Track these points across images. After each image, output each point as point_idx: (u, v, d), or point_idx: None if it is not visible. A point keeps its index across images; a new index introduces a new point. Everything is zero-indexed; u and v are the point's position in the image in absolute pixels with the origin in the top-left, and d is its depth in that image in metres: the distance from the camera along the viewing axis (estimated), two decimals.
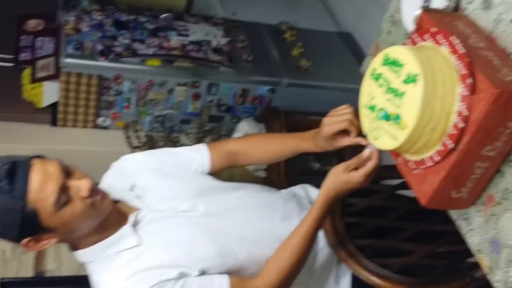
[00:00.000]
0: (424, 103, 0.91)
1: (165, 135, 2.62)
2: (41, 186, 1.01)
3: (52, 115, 2.64)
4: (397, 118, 0.96)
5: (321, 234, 1.36)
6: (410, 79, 0.93)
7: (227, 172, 2.53)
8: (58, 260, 2.37)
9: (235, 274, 1.19)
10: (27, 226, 1.02)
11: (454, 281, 1.20)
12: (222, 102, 2.73)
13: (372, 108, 1.05)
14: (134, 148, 2.42)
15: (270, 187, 1.47)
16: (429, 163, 0.99)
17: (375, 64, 1.05)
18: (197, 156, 1.35)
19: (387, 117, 0.98)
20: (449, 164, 0.96)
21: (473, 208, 1.06)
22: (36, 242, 1.07)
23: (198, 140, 2.55)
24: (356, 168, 1.13)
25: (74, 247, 1.16)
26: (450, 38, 0.95)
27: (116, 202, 1.21)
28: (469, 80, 0.90)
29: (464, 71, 0.91)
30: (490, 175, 1.00)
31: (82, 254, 1.16)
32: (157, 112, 2.69)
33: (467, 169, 0.97)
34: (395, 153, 1.09)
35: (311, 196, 1.47)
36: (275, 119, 2.48)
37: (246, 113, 2.81)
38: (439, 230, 1.34)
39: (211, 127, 2.76)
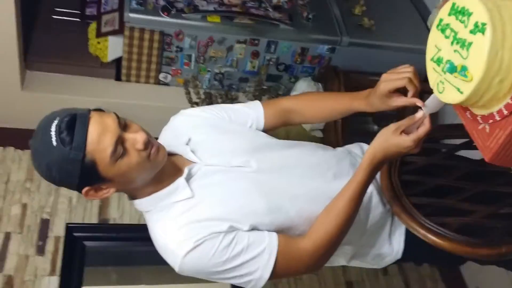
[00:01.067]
0: (491, 53, 0.87)
1: (223, 92, 2.64)
2: (98, 138, 1.05)
3: (116, 70, 2.71)
4: (463, 69, 0.93)
5: (375, 192, 1.34)
6: (478, 29, 0.89)
7: (283, 132, 2.54)
8: (120, 209, 2.48)
9: (285, 231, 1.20)
10: (86, 176, 1.06)
11: None
12: (280, 61, 2.71)
13: (438, 60, 1.01)
14: (193, 104, 2.46)
15: (325, 145, 1.46)
16: (497, 117, 0.96)
17: (442, 13, 1.01)
18: (252, 112, 1.36)
19: (453, 69, 0.95)
20: None
21: None
22: (95, 191, 1.12)
23: (255, 99, 2.56)
24: (407, 133, 1.09)
25: (133, 196, 1.21)
26: None
27: (172, 155, 1.24)
28: None
29: None
30: None
31: (140, 203, 1.19)
32: (216, 69, 2.71)
33: None
34: (462, 108, 1.05)
35: None
36: (333, 79, 2.44)
37: (304, 72, 2.78)
38: (502, 191, 1.30)
39: (269, 86, 2.76)
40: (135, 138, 1.08)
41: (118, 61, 2.69)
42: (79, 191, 1.11)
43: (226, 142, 1.28)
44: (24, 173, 2.50)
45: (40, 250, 2.27)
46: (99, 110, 1.11)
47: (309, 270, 1.20)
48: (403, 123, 1.10)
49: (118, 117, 1.10)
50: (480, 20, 0.89)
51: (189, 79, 2.44)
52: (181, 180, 1.18)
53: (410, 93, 1.16)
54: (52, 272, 2.22)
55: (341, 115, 1.37)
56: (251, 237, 1.13)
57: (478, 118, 1.01)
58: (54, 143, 1.02)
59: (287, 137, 2.58)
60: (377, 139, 1.13)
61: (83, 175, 1.06)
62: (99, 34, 2.55)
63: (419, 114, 1.09)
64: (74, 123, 1.04)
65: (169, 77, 2.73)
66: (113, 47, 2.58)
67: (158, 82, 2.75)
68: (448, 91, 0.99)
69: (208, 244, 1.10)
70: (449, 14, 0.98)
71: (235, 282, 1.15)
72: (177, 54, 2.62)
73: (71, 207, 2.43)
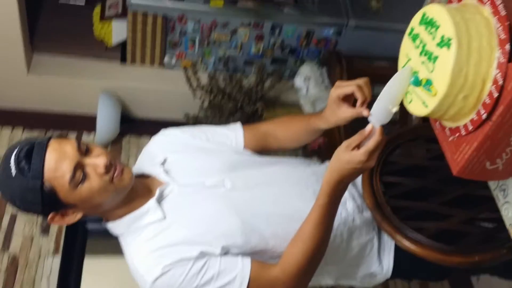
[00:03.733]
0: (455, 69, 0.85)
1: (228, 76, 2.64)
2: (56, 165, 1.05)
3: (122, 53, 2.72)
4: (427, 84, 0.91)
5: (356, 211, 1.31)
6: (444, 43, 0.87)
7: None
8: None
9: (261, 253, 1.18)
10: (49, 203, 1.07)
11: (488, 251, 1.16)
12: (285, 44, 2.68)
13: None
14: (195, 89, 2.46)
15: (310, 159, 1.44)
16: (463, 132, 0.94)
17: (414, 22, 0.99)
18: (231, 133, 1.36)
19: (417, 83, 0.93)
20: (482, 135, 0.90)
21: (511, 180, 1.00)
22: (61, 216, 1.13)
23: (261, 80, 2.54)
24: (358, 147, 1.04)
25: (105, 219, 1.21)
26: None
27: (146, 176, 1.24)
28: (507, 46, 0.83)
29: (503, 36, 0.84)
30: None
31: (112, 227, 1.20)
32: (221, 53, 2.70)
33: (502, 141, 0.91)
34: (433, 118, 1.03)
35: None
36: (336, 64, 2.41)
37: (310, 56, 2.75)
38: (483, 195, 1.28)
39: (274, 69, 2.74)
40: (96, 163, 1.08)
41: (123, 44, 2.69)
42: (45, 216, 1.12)
43: (201, 161, 1.27)
44: None
45: (45, 231, 2.34)
46: (60, 137, 1.12)
47: None
48: (354, 139, 1.04)
49: (78, 143, 1.10)
50: (446, 35, 0.87)
51: (190, 64, 2.44)
52: (152, 202, 1.17)
53: (358, 102, 1.12)
54: (55, 252, 2.28)
55: (309, 135, 1.35)
56: (222, 264, 1.11)
57: (446, 130, 1.00)
58: (14, 172, 1.04)
59: None
60: (331, 160, 1.08)
61: (45, 202, 1.07)
62: (102, 18, 2.55)
63: (368, 127, 1.03)
64: (32, 151, 1.05)
65: (174, 60, 2.73)
66: (117, 31, 2.59)
67: (163, 65, 2.76)
68: (415, 103, 0.97)
69: (177, 271, 1.09)
70: (420, 24, 0.96)
71: None
72: (181, 37, 2.61)
73: None
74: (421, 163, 1.37)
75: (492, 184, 1.07)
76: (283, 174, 1.31)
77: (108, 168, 1.09)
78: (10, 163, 1.05)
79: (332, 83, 2.47)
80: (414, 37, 0.97)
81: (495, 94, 0.85)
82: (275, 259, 1.18)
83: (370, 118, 1.05)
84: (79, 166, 1.07)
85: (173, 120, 2.70)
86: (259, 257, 1.17)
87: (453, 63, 0.85)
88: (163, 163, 1.26)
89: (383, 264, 1.34)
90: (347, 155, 1.04)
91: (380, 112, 1.03)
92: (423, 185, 1.32)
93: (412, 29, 0.99)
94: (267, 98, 2.56)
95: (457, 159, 0.98)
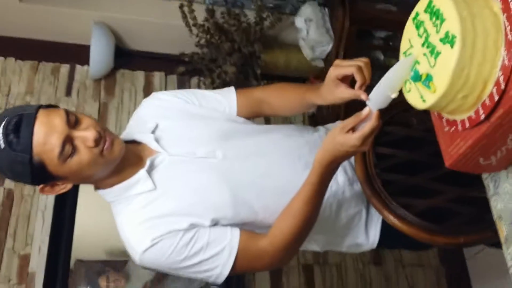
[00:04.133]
0: (457, 70, 0.81)
1: (226, 10, 2.54)
2: (44, 139, 1.03)
3: None
4: (427, 79, 0.87)
5: (347, 183, 1.31)
6: (448, 40, 0.82)
7: (283, 61, 2.48)
8: (118, 127, 2.52)
9: (250, 224, 1.18)
10: (38, 175, 1.06)
11: (475, 233, 1.17)
12: None
13: None
14: (191, 26, 2.37)
15: (306, 127, 1.41)
16: (459, 127, 0.92)
17: (419, 7, 0.92)
18: (224, 100, 1.32)
19: (417, 78, 0.89)
20: (478, 134, 0.88)
21: (504, 173, 0.99)
22: (51, 187, 1.12)
23: (260, 19, 2.45)
24: (354, 130, 1.02)
25: (96, 187, 1.20)
26: None
27: (137, 143, 1.21)
28: None
29: (511, 37, 0.79)
30: None
31: (103, 194, 1.19)
32: None
33: (499, 140, 0.89)
34: None
35: None
36: (339, 6, 2.31)
37: None
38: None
39: (275, 4, 2.64)
40: (85, 136, 1.06)
41: None
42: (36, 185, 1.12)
43: (193, 129, 1.25)
44: (24, 85, 2.52)
45: None
46: (49, 106, 1.09)
47: (272, 267, 1.21)
48: (349, 121, 1.02)
49: (68, 113, 1.07)
50: (451, 31, 0.82)
51: (185, 3, 2.34)
52: (142, 172, 1.16)
53: (357, 84, 1.08)
54: None
55: (303, 107, 1.32)
56: (212, 235, 1.12)
57: (443, 120, 0.97)
58: (2, 145, 1.02)
59: (287, 66, 2.52)
60: (325, 140, 1.07)
61: (34, 175, 1.06)
62: None
63: (365, 110, 1.01)
64: (20, 124, 1.02)
65: None
66: None
67: None
68: (413, 94, 0.94)
69: (166, 243, 1.09)
70: (425, 11, 0.90)
71: (195, 276, 1.16)
72: None
73: None
74: (416, 134, 1.35)
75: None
76: (275, 144, 1.29)
77: (98, 140, 1.07)
78: None
79: (333, 26, 2.39)
80: (418, 25, 0.92)
81: (496, 97, 0.82)
82: (264, 229, 1.19)
83: (368, 102, 1.02)
84: (68, 140, 1.05)
85: (169, 55, 2.65)
86: (248, 227, 1.19)
87: (455, 63, 0.81)
88: (154, 130, 1.23)
89: (370, 235, 1.36)
90: (341, 137, 1.03)
91: (379, 97, 1.00)
92: (416, 158, 1.31)
93: (417, 14, 0.93)
94: (266, 38, 2.48)
95: (451, 152, 0.96)
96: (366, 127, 1.00)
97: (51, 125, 1.04)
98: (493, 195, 1.03)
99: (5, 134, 1.02)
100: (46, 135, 1.03)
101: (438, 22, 0.85)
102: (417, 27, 0.92)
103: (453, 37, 0.81)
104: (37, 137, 1.03)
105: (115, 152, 1.10)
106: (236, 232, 1.14)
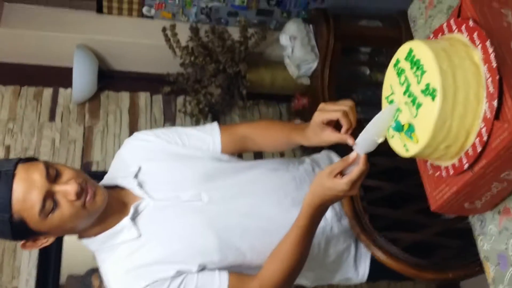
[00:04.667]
0: (439, 123, 0.81)
1: (210, 27, 2.52)
2: (24, 196, 1.01)
3: (98, 3, 2.57)
4: (409, 130, 0.87)
5: (334, 219, 1.30)
6: (429, 92, 0.82)
7: (269, 79, 2.46)
8: (104, 151, 2.49)
9: (238, 267, 1.17)
10: (19, 232, 1.04)
11: (462, 268, 1.17)
12: None
13: (391, 104, 0.94)
14: (175, 50, 2.35)
15: (289, 161, 1.40)
16: (444, 173, 0.91)
17: (399, 54, 0.92)
18: (208, 138, 1.30)
19: (399, 129, 0.88)
20: (462, 182, 0.88)
21: (489, 214, 0.99)
22: (33, 241, 1.10)
23: (245, 39, 2.44)
24: (342, 173, 1.02)
25: (80, 236, 1.18)
26: (485, 43, 0.81)
27: (120, 188, 1.20)
28: (495, 102, 0.78)
29: (492, 89, 0.79)
30: (508, 192, 0.91)
31: (87, 244, 1.17)
32: (203, 3, 2.56)
33: (483, 188, 0.88)
34: None
35: None
36: (323, 23, 2.31)
37: (297, 7, 2.62)
38: None
39: (259, 20, 2.63)
40: (66, 190, 1.04)
41: None
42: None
43: (177, 172, 1.23)
44: (7, 111, 2.48)
45: None
46: (28, 160, 1.07)
47: None
48: (337, 165, 1.02)
49: (47, 167, 1.05)
50: (432, 84, 0.81)
51: (168, 27, 2.32)
52: (126, 220, 1.14)
53: (343, 129, 1.08)
54: None
55: (288, 146, 1.32)
56: (199, 281, 1.11)
57: (428, 164, 0.97)
58: None
59: (272, 84, 2.51)
60: (313, 184, 1.06)
61: (14, 232, 1.03)
62: None
63: (352, 154, 1.00)
64: None
65: (153, 10, 2.59)
66: None
67: (141, 15, 2.62)
68: (397, 142, 0.93)
69: None
70: (406, 59, 0.89)
71: None
72: None
73: (54, 149, 2.44)
74: (401, 165, 1.35)
75: None
76: (260, 181, 1.28)
77: (79, 194, 1.05)
78: None
79: (318, 44, 2.38)
80: (399, 72, 0.91)
81: (479, 149, 0.81)
82: (253, 270, 1.18)
83: (354, 147, 1.02)
84: (49, 195, 1.03)
85: (153, 75, 2.63)
86: (236, 269, 1.17)
87: (437, 116, 0.80)
88: (137, 174, 1.21)
89: (359, 270, 1.35)
90: (329, 182, 1.02)
91: (366, 142, 1.00)
92: (402, 189, 1.31)
93: (397, 61, 0.92)
94: (251, 56, 2.46)
95: (436, 197, 0.96)
96: (354, 172, 1.00)
97: (30, 181, 1.02)
98: (479, 235, 1.02)
99: None
100: (25, 192, 1.01)
101: (418, 73, 0.85)
102: (399, 75, 0.91)
103: (434, 90, 0.80)
104: (16, 194, 1.01)
105: (98, 203, 1.08)
106: (225, 276, 1.13)
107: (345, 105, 1.08)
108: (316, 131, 1.13)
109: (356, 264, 1.35)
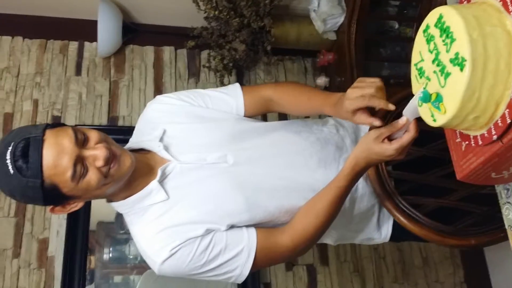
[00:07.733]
0: (467, 94, 0.78)
1: None
2: (55, 161, 1.00)
3: None
4: (437, 100, 0.84)
5: (361, 179, 1.29)
6: (458, 62, 0.79)
7: (295, 34, 2.41)
8: (130, 106, 2.51)
9: (265, 224, 1.18)
10: (51, 198, 1.04)
11: (485, 234, 1.16)
12: None
13: (420, 71, 0.91)
14: (199, 3, 2.31)
15: (314, 121, 1.38)
16: (472, 142, 0.90)
17: (429, 19, 0.88)
18: (231, 100, 1.29)
19: (426, 99, 0.86)
20: (490, 152, 0.86)
21: None
22: (63, 206, 1.10)
23: None
24: (389, 137, 1.02)
25: (108, 200, 1.19)
26: None
27: (146, 151, 1.20)
28: None
29: None
30: None
31: (116, 206, 1.17)
32: None
33: (511, 159, 0.87)
34: None
35: (358, 134, 1.39)
36: None
37: None
38: None
39: None
40: (95, 155, 1.04)
41: None
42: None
43: (202, 134, 1.22)
44: (34, 65, 2.50)
45: None
46: (55, 125, 1.06)
47: (289, 260, 1.23)
48: (385, 130, 1.02)
49: (76, 132, 1.04)
50: (461, 53, 0.78)
51: None
52: (154, 183, 1.14)
53: (378, 106, 1.06)
54: None
55: (316, 113, 1.30)
56: (229, 238, 1.12)
57: (456, 131, 0.95)
58: (11, 171, 0.99)
59: (297, 40, 2.46)
60: (359, 147, 1.07)
61: (46, 198, 1.04)
62: None
63: (402, 120, 1.00)
64: (28, 148, 0.99)
65: None
66: None
67: None
68: (425, 111, 0.91)
69: (184, 251, 1.09)
70: (435, 26, 0.86)
71: (215, 279, 1.16)
72: None
73: (81, 103, 2.47)
74: (427, 128, 1.33)
75: None
76: (286, 143, 1.28)
77: (107, 159, 1.05)
78: (6, 161, 1.00)
79: None
80: (428, 39, 0.88)
81: (508, 120, 0.79)
82: (279, 226, 1.20)
83: (404, 112, 1.01)
84: (79, 160, 1.03)
85: (177, 28, 2.60)
86: (263, 226, 1.19)
87: (465, 87, 0.78)
88: (162, 137, 1.21)
89: (382, 231, 1.36)
90: (377, 147, 1.04)
91: (415, 108, 0.98)
92: (428, 153, 1.29)
93: (427, 27, 0.89)
94: (276, 10, 2.41)
95: (463, 166, 0.95)
96: (405, 138, 1.02)
97: (60, 147, 1.01)
98: (505, 204, 1.01)
99: (13, 160, 0.99)
100: (56, 158, 1.01)
101: (448, 41, 0.81)
102: (428, 42, 0.88)
103: (463, 60, 0.78)
104: (46, 160, 1.00)
105: (124, 169, 1.09)
106: (253, 232, 1.15)
107: (371, 86, 1.06)
108: (349, 114, 1.11)
109: (379, 225, 1.36)
